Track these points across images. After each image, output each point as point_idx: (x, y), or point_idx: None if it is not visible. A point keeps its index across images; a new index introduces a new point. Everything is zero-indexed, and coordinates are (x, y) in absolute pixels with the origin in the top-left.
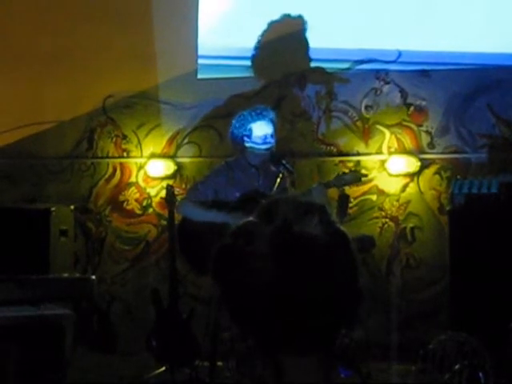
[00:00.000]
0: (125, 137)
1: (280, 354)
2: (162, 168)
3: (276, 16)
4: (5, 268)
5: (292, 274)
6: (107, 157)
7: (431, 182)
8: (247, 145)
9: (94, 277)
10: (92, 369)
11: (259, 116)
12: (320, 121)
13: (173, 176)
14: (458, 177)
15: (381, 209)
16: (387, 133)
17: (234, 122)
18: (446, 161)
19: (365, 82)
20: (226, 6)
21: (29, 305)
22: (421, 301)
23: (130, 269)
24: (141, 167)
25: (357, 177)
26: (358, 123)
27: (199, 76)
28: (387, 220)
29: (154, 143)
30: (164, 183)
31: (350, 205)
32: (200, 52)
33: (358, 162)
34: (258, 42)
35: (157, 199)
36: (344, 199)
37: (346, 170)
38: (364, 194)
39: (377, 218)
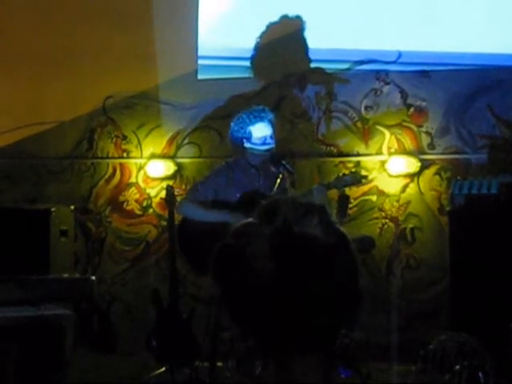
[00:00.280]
0: (125, 137)
1: (280, 355)
2: (162, 168)
3: (276, 16)
4: (5, 268)
5: (292, 274)
6: (107, 157)
7: (431, 183)
8: (247, 146)
9: (94, 277)
10: (92, 369)
11: (258, 118)
12: (320, 121)
13: (173, 176)
14: (458, 177)
15: (381, 209)
16: (387, 133)
17: (232, 124)
18: (446, 161)
19: (365, 83)
20: (226, 7)
21: (29, 305)
22: (421, 301)
23: (130, 269)
24: (141, 168)
25: (357, 178)
26: (358, 124)
27: (199, 76)
28: (387, 220)
29: (154, 144)
30: (164, 184)
31: (350, 205)
32: (200, 52)
33: (358, 163)
34: (257, 43)
35: (157, 200)
36: (344, 200)
37: (346, 171)
38: (364, 194)
39: (377, 218)
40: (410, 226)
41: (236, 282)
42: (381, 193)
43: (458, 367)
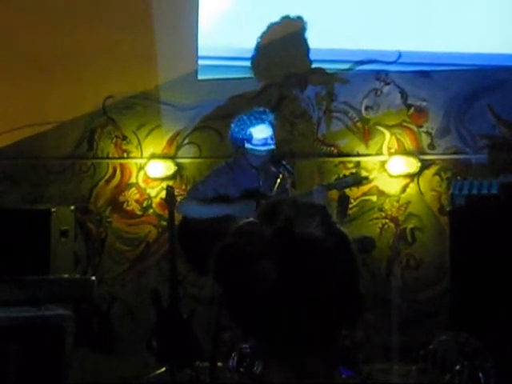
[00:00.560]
0: (125, 137)
1: (281, 355)
2: (162, 169)
3: (276, 16)
4: (5, 268)
5: (293, 274)
6: (107, 157)
7: (431, 183)
8: (247, 147)
9: (94, 277)
10: (92, 369)
11: (258, 120)
12: (320, 122)
13: (173, 177)
14: (459, 177)
15: (381, 209)
16: (387, 134)
17: (233, 126)
18: (447, 162)
19: (365, 83)
20: (226, 7)
21: (29, 305)
22: (421, 301)
23: (130, 269)
24: (141, 168)
25: (358, 179)
26: (359, 124)
27: (199, 77)
28: (387, 221)
29: (154, 144)
30: (164, 184)
31: (350, 205)
32: (200, 53)
33: (358, 163)
34: (258, 43)
35: (157, 200)
36: (344, 200)
37: (347, 171)
38: (364, 194)
39: (377, 218)
40: (410, 226)
41: (237, 281)
42: (381, 193)
43: (458, 367)
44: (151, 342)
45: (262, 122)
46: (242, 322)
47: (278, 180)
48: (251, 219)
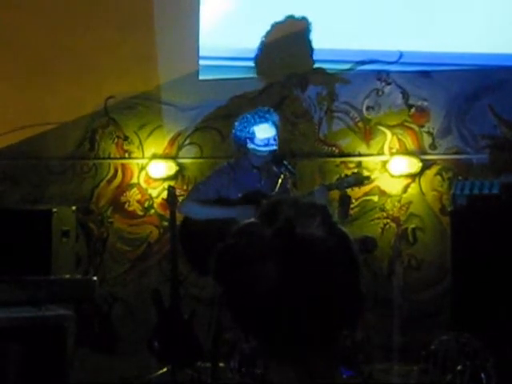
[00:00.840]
0: (126, 138)
1: (282, 355)
2: (163, 169)
3: (277, 17)
4: (6, 269)
5: (293, 274)
6: (109, 158)
7: (433, 183)
8: (250, 147)
9: (95, 278)
10: (93, 370)
11: (262, 119)
12: (321, 122)
13: (174, 177)
14: (460, 177)
15: (382, 210)
16: (389, 134)
17: (236, 123)
18: (448, 162)
19: (366, 83)
20: (227, 7)
21: (30, 306)
22: (422, 301)
23: (131, 270)
24: (142, 168)
25: (359, 179)
26: (360, 124)
27: (201, 77)
28: (389, 221)
29: (156, 144)
30: (165, 184)
31: (352, 205)
32: (201, 53)
33: (359, 163)
34: (262, 42)
35: (158, 200)
36: (345, 200)
37: (348, 171)
38: (365, 194)
39: (378, 218)
40: (412, 226)
41: (237, 282)
42: (382, 193)
43: (459, 367)
44: (152, 342)
45: (266, 121)
46: (243, 323)
47: (280, 180)
48: (252, 219)
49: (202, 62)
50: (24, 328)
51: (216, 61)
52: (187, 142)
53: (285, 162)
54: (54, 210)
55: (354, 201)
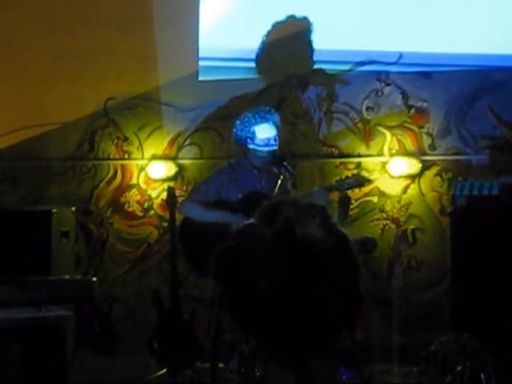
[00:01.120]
0: (126, 139)
1: (282, 356)
2: (163, 170)
3: (277, 18)
4: (6, 270)
5: (293, 275)
6: (108, 158)
7: (432, 184)
8: (250, 146)
9: (95, 278)
10: (93, 370)
11: (263, 119)
12: (321, 122)
13: (174, 178)
14: (459, 178)
15: (382, 210)
16: (388, 134)
17: (238, 122)
18: (447, 162)
19: (366, 84)
20: (227, 8)
21: (30, 306)
22: (422, 302)
23: (131, 270)
24: (142, 169)
25: (360, 181)
26: (359, 125)
27: (200, 78)
28: (388, 222)
29: (156, 145)
30: (165, 185)
31: (352, 206)
32: (201, 54)
33: (359, 164)
34: (263, 41)
35: (158, 201)
36: (345, 201)
37: (348, 172)
38: (365, 195)
39: (378, 219)
40: (411, 227)
41: (237, 283)
42: (382, 194)
43: (459, 368)
44: (152, 342)
45: (267, 121)
46: (242, 324)
47: (279, 181)
48: (251, 220)
49: (201, 63)
50: (24, 328)
51: (216, 61)
52: (187, 142)
53: (284, 163)
54: (54, 210)
55: (353, 202)
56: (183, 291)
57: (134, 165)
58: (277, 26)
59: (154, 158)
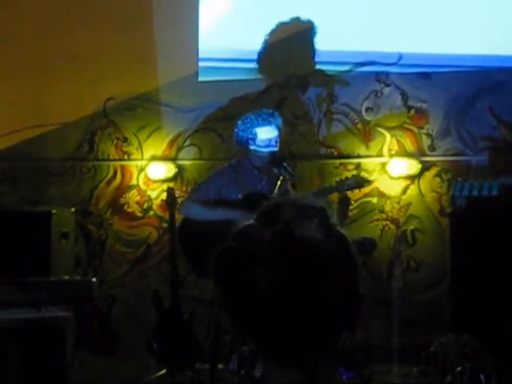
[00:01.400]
0: (126, 139)
1: (281, 357)
2: (162, 170)
3: (276, 19)
4: (6, 270)
5: (292, 276)
6: (108, 159)
7: (432, 185)
8: (251, 147)
9: (94, 279)
10: (93, 371)
11: (265, 121)
12: (321, 123)
13: (173, 178)
14: (459, 179)
15: (381, 211)
16: (388, 135)
17: (239, 123)
18: (447, 163)
19: (365, 85)
20: (227, 9)
21: (30, 307)
22: (422, 303)
23: (130, 271)
24: (141, 170)
25: (359, 182)
26: (359, 126)
27: (200, 78)
28: (388, 222)
29: (155, 146)
30: (165, 186)
31: (351, 207)
32: (201, 54)
33: (358, 165)
34: (265, 41)
35: (157, 202)
36: (345, 202)
37: (347, 173)
38: (365, 196)
39: (377, 220)
40: (411, 227)
41: (236, 284)
42: (381, 195)
43: (459, 369)
44: (152, 343)
45: (269, 123)
46: (242, 325)
47: (279, 182)
48: (251, 221)
49: (201, 64)
50: (24, 329)
51: (215, 62)
52: (186, 143)
53: (284, 164)
54: (54, 211)
55: (353, 202)
56: (183, 292)
57: (133, 165)
58: (280, 26)
59: (154, 158)
